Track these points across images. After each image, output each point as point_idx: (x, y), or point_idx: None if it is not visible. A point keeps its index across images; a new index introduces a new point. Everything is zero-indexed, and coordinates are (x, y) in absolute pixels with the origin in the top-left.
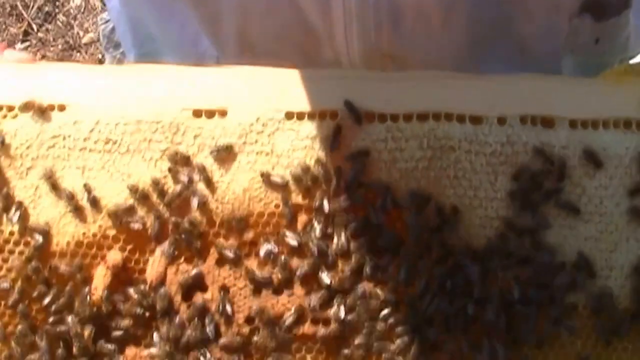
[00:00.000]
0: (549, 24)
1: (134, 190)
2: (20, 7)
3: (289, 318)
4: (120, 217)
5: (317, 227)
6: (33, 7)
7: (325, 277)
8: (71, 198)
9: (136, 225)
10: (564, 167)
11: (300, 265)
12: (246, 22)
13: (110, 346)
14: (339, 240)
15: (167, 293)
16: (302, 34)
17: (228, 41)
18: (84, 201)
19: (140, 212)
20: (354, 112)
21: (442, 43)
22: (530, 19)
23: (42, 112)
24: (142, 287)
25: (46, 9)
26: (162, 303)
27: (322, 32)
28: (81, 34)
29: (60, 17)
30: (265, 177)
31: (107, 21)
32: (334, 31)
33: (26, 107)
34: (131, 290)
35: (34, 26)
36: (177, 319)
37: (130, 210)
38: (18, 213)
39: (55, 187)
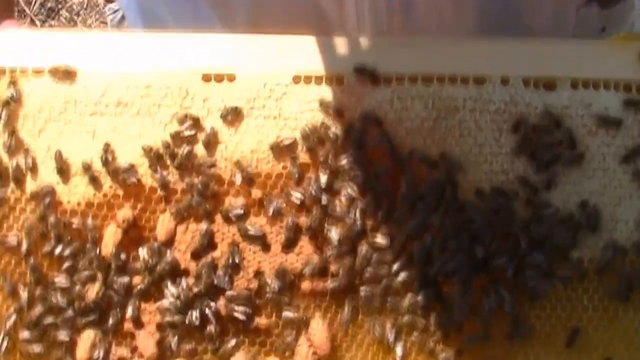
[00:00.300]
0: (557, 16)
1: (147, 150)
2: (23, 4)
3: (307, 268)
4: (119, 174)
5: (323, 178)
6: (35, 3)
7: (334, 234)
8: (87, 169)
9: (133, 180)
10: (571, 133)
11: (308, 220)
12: (258, 9)
13: (118, 298)
14: (345, 191)
15: (173, 259)
16: (314, 21)
17: (239, 27)
18: (97, 165)
19: (150, 171)
20: (368, 74)
21: (452, 34)
22: (539, 11)
23: (60, 75)
24: (155, 245)
25: (49, 5)
26: (164, 266)
27: (334, 19)
28: (85, 30)
29: (64, 13)
30: (275, 146)
31: (115, 11)
32: (346, 18)
33: (42, 72)
34: (140, 251)
35: (37, 22)
36: (184, 278)
37: (130, 169)
38: (30, 160)
39: (62, 171)
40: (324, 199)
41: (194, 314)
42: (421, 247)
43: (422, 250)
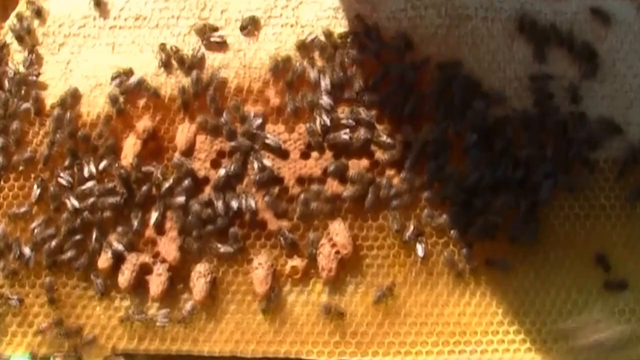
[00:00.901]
0: None
1: (162, 48)
2: None
3: (331, 166)
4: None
5: (328, 81)
6: None
7: (344, 135)
8: (115, 101)
9: (146, 92)
10: (590, 45)
11: (320, 121)
12: None
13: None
14: (356, 87)
15: (189, 184)
16: None
17: None
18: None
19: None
20: None
21: None
22: None
23: None
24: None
25: None
26: (179, 199)
27: None
28: None
29: None
30: (300, 43)
31: None
32: None
33: None
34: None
35: None
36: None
37: (141, 82)
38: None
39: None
40: (326, 100)
41: (219, 205)
42: (435, 165)
43: (434, 170)
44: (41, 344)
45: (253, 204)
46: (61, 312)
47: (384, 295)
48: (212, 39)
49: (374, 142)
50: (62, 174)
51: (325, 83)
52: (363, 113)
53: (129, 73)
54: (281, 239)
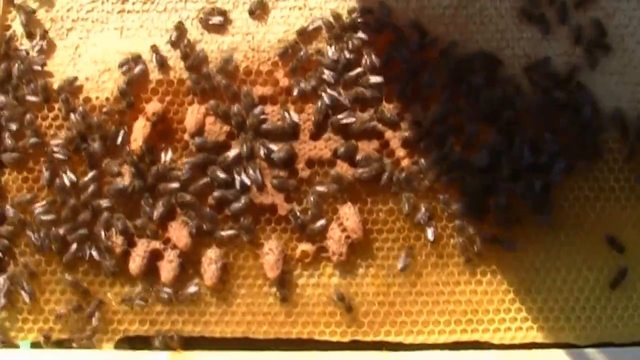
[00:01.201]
0: None
1: (178, 26)
2: None
3: (341, 148)
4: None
5: (331, 52)
6: None
7: (346, 118)
8: (125, 94)
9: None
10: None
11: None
12: None
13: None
14: (363, 67)
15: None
16: None
17: None
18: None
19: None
20: None
21: None
22: None
23: None
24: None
25: None
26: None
27: None
28: None
29: None
30: (302, 31)
31: None
32: None
33: None
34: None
35: None
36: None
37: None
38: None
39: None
40: (330, 75)
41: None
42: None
43: (444, 154)
44: (53, 330)
45: (260, 178)
46: (75, 298)
47: (409, 260)
48: (210, 22)
49: (383, 122)
50: (57, 149)
51: (330, 60)
52: (371, 93)
53: (137, 59)
54: (291, 217)
